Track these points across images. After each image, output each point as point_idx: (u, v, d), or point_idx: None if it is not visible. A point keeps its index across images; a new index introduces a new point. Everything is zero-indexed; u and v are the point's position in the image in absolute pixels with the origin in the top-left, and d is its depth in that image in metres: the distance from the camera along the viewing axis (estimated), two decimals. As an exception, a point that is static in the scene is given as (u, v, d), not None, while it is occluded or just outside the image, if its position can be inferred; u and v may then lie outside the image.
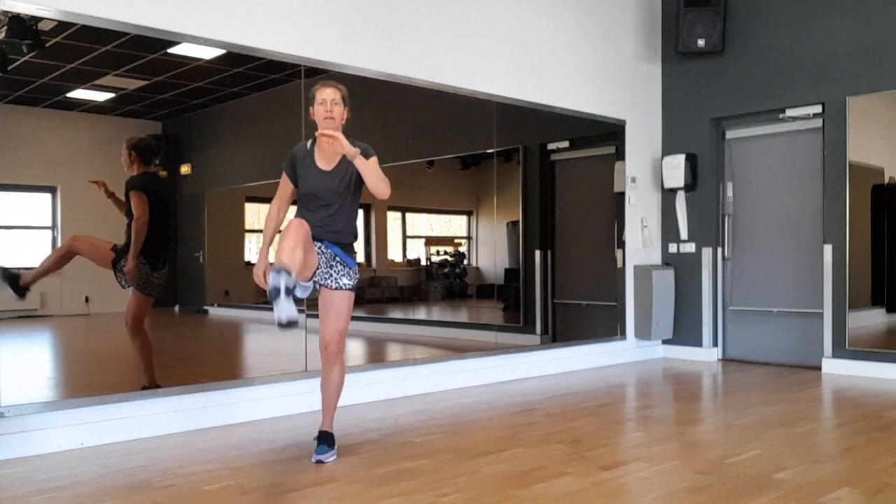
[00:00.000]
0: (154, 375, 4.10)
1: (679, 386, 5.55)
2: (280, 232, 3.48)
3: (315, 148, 3.52)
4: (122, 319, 4.10)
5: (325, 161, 3.50)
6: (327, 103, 3.41)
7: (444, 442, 3.80)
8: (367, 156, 3.37)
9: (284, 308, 2.91)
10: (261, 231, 5.01)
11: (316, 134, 3.41)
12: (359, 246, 3.70)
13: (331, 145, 3.40)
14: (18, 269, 3.85)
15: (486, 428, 4.11)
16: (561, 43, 6.21)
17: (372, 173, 3.36)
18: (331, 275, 3.51)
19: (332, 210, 3.48)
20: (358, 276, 3.60)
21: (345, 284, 3.52)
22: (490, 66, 5.65)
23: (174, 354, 4.43)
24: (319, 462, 3.43)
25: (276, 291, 2.91)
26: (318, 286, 3.54)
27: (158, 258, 4.15)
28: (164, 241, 4.20)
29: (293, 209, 3.67)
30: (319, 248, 3.47)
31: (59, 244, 4.19)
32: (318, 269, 3.47)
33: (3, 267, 3.81)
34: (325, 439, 3.53)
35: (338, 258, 3.51)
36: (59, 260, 3.95)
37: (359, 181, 3.49)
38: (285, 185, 3.57)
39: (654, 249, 7.00)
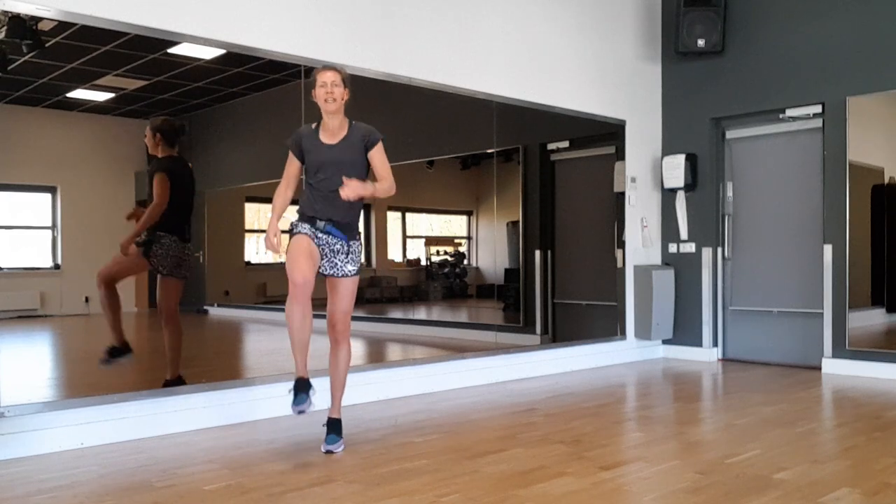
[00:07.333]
0: (178, 368, 4.13)
1: (679, 386, 5.55)
2: (290, 232, 3.54)
3: (319, 129, 3.59)
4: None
5: (329, 138, 3.58)
6: (328, 85, 3.48)
7: (444, 442, 3.80)
8: (374, 140, 3.56)
9: (304, 406, 3.41)
10: (261, 231, 5.02)
11: (342, 193, 3.43)
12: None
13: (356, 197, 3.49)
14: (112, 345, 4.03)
15: (486, 428, 4.11)
16: (561, 43, 6.21)
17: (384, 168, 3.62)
18: (335, 264, 3.59)
19: (339, 185, 3.51)
20: (360, 258, 3.70)
21: (350, 271, 3.62)
22: (490, 66, 5.65)
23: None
24: (329, 452, 3.49)
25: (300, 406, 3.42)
26: (323, 275, 3.60)
27: (183, 231, 4.22)
28: (187, 216, 4.29)
29: (294, 209, 3.68)
30: (320, 238, 3.53)
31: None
32: (321, 259, 3.54)
33: (109, 348, 4.01)
34: (335, 428, 3.61)
35: (340, 244, 3.57)
36: (111, 299, 4.00)
37: (363, 159, 3.58)
38: (291, 162, 3.64)
39: (654, 249, 6.99)
